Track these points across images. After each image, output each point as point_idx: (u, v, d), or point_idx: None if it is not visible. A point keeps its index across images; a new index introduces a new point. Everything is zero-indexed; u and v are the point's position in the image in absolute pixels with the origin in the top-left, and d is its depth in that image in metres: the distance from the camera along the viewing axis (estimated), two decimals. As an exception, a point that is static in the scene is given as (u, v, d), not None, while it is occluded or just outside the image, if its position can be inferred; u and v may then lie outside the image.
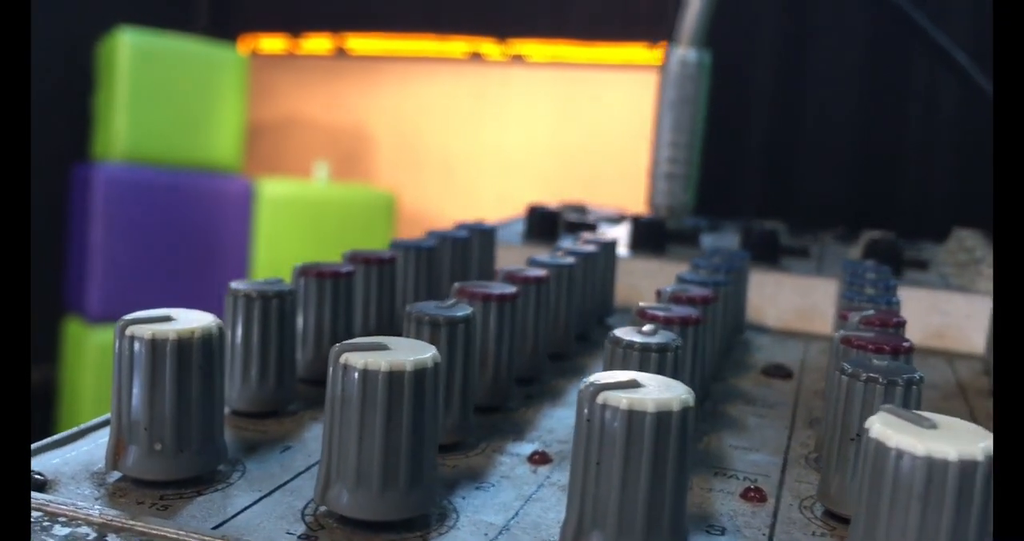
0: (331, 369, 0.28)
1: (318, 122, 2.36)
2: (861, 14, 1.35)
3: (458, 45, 2.19)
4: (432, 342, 0.34)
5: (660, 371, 0.32)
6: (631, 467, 0.25)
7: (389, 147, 2.29)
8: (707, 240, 0.77)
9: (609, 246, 0.59)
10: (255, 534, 0.27)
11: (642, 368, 0.32)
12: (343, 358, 0.27)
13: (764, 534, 0.30)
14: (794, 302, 0.62)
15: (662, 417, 0.25)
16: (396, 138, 2.29)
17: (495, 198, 2.11)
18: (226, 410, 0.38)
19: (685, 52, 0.77)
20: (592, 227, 0.78)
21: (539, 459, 0.35)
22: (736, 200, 1.41)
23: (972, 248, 0.71)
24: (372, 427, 0.27)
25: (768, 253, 0.67)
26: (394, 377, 0.27)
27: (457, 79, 2.21)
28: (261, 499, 0.30)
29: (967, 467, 0.23)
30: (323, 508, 0.29)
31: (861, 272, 0.51)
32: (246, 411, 0.37)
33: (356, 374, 0.27)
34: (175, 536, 0.26)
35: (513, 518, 0.29)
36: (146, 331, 0.29)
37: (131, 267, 1.76)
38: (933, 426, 0.24)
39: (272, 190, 2.01)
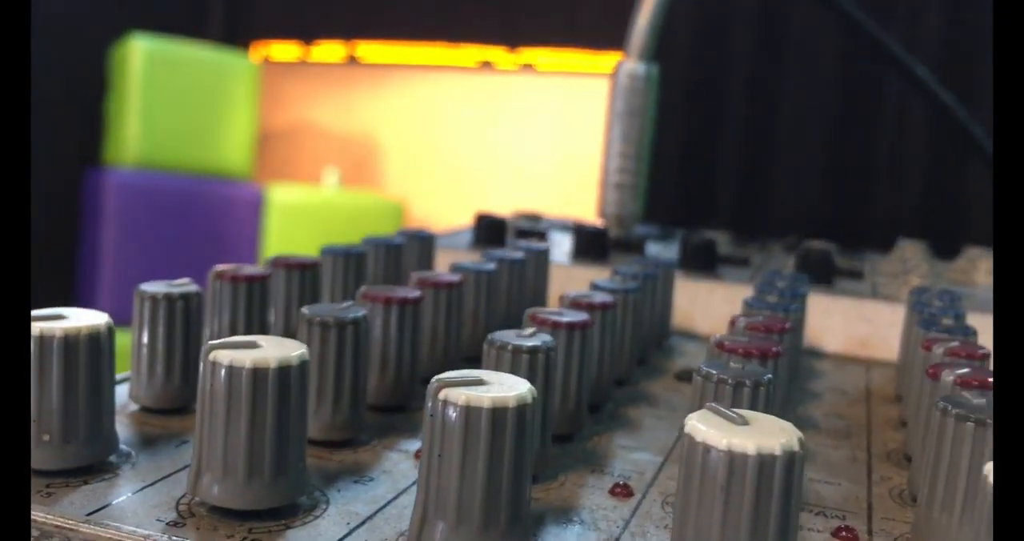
0: (202, 366, 0.29)
1: (328, 129, 2.38)
2: (833, 29, 1.37)
3: (469, 53, 2.21)
4: (323, 342, 0.36)
5: (532, 373, 0.34)
6: (469, 460, 0.27)
7: (399, 154, 2.31)
8: (653, 249, 0.78)
9: (541, 253, 0.60)
10: (126, 520, 0.29)
11: (513, 369, 0.34)
12: (212, 355, 0.29)
13: (619, 526, 0.31)
14: (724, 310, 0.63)
15: (498, 413, 0.27)
16: (406, 145, 2.31)
17: (504, 206, 2.13)
18: (134, 406, 0.40)
19: (633, 65, 0.79)
20: (542, 235, 0.79)
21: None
22: (703, 211, 1.43)
23: (907, 258, 0.72)
24: (237, 421, 0.29)
25: (705, 261, 0.68)
26: (258, 374, 0.29)
27: (467, 87, 2.23)
28: (143, 488, 0.31)
29: (765, 460, 0.24)
30: (197, 498, 0.30)
31: (774, 280, 0.53)
32: (152, 407, 0.39)
33: (222, 371, 0.29)
34: (42, 520, 0.28)
35: (380, 510, 0.31)
36: (35, 329, 0.31)
37: (142, 272, 1.78)
38: (745, 423, 0.26)
39: (282, 196, 2.03)
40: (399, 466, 0.35)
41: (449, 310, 0.46)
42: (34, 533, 0.27)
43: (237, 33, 2.40)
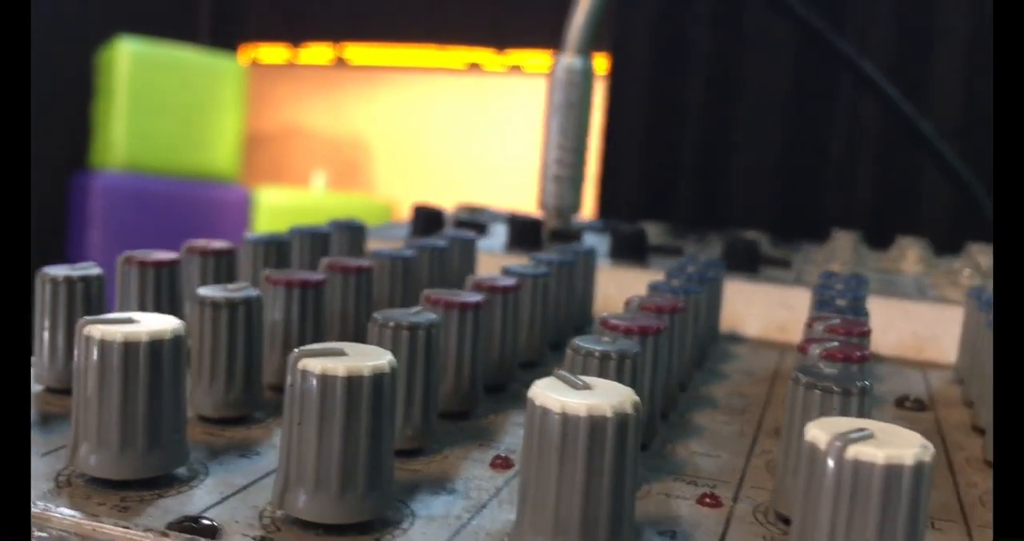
0: (76, 341, 0.30)
1: (317, 131, 2.38)
2: (787, 25, 1.38)
3: (457, 55, 2.21)
4: (214, 322, 0.37)
5: (413, 349, 0.35)
6: (326, 427, 0.28)
7: (387, 156, 2.32)
8: (592, 240, 0.80)
9: (466, 242, 0.61)
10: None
11: (395, 345, 0.35)
12: (86, 330, 0.30)
13: (488, 494, 0.32)
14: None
15: (353, 381, 0.28)
16: (394, 147, 2.32)
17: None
18: (40, 387, 0.40)
19: (571, 59, 0.80)
20: (482, 226, 0.80)
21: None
22: (667, 206, 1.44)
23: (836, 247, 0.74)
24: (110, 394, 0.30)
25: (635, 252, 0.70)
26: (129, 348, 0.30)
27: (456, 89, 2.23)
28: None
29: (597, 422, 0.25)
30: (75, 469, 0.31)
31: (684, 266, 0.54)
32: (56, 388, 0.40)
33: (95, 346, 0.30)
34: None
35: (256, 481, 0.32)
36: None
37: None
38: (587, 388, 0.27)
39: (270, 199, 2.03)
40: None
41: (358, 294, 0.46)
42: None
43: (225, 35, 2.40)
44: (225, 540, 0.27)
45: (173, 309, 0.45)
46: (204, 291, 0.37)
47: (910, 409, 0.47)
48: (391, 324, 0.35)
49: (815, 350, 0.35)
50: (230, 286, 0.38)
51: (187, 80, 1.99)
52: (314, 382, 0.28)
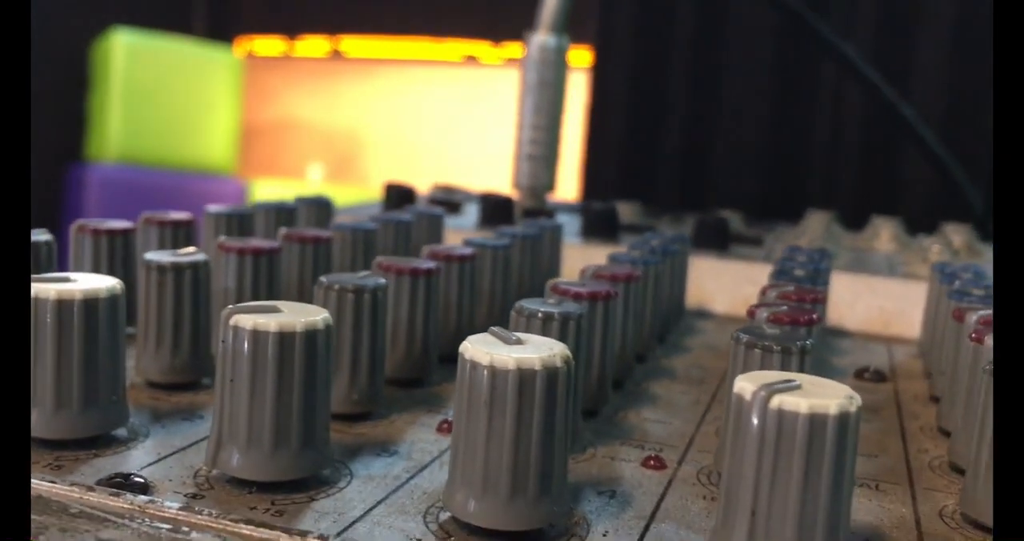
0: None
1: (313, 124, 2.37)
2: (769, 16, 1.38)
3: (453, 48, 2.21)
4: (160, 287, 0.36)
5: (358, 314, 0.35)
6: (258, 384, 0.27)
7: (383, 149, 2.31)
8: (565, 219, 0.79)
9: (434, 218, 0.61)
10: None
11: (339, 307, 0.34)
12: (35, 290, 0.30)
13: (431, 456, 0.32)
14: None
15: (285, 337, 0.27)
16: (390, 140, 2.31)
17: None
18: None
19: (545, 38, 0.79)
20: (456, 205, 0.80)
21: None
22: (651, 188, 1.44)
23: (808, 227, 0.74)
24: (44, 354, 0.29)
25: (605, 230, 0.69)
26: (63, 305, 0.29)
27: (452, 82, 2.23)
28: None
29: (526, 374, 0.25)
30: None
31: (649, 240, 0.54)
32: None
33: (40, 306, 0.29)
34: None
35: (195, 443, 0.32)
36: None
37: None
38: (519, 343, 0.27)
39: (266, 191, 2.03)
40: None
41: (316, 265, 0.46)
42: None
43: (221, 28, 2.38)
44: (156, 497, 0.27)
45: (127, 279, 0.45)
46: (151, 255, 0.37)
47: (868, 380, 0.47)
48: (336, 287, 0.35)
49: (763, 314, 0.35)
50: (179, 251, 0.38)
51: (182, 72, 1.98)
52: (246, 338, 0.27)
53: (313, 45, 2.34)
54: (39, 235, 0.40)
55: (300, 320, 0.28)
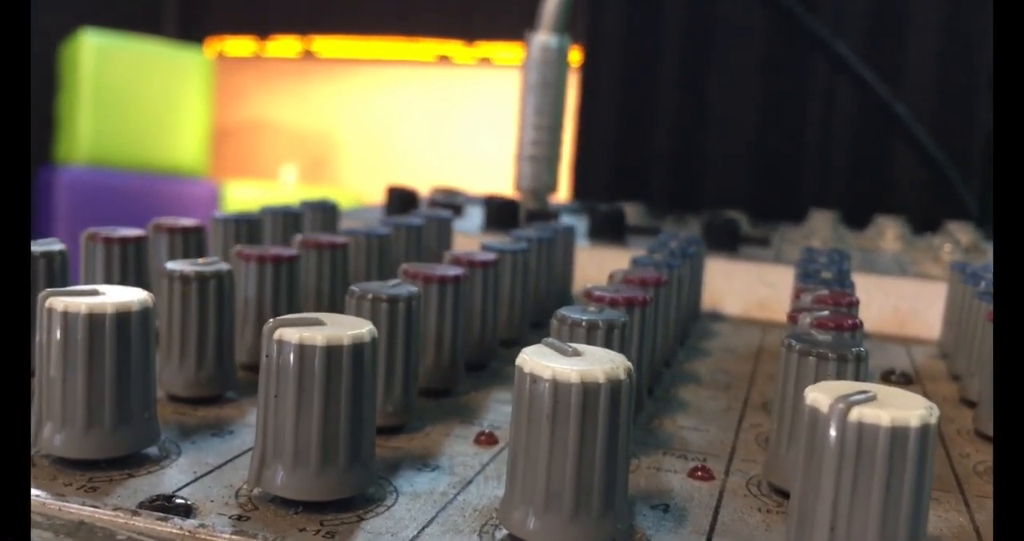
0: (38, 314, 0.29)
1: (285, 125, 2.35)
2: (760, 14, 1.38)
3: (426, 47, 2.19)
4: (183, 297, 0.35)
5: (392, 322, 0.34)
6: (304, 399, 0.26)
7: (357, 150, 2.29)
8: (569, 222, 0.78)
9: (443, 221, 0.60)
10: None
11: (375, 318, 0.33)
12: (48, 303, 0.28)
13: (474, 470, 0.31)
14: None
15: (332, 351, 0.26)
16: (364, 141, 2.29)
17: None
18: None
19: (546, 38, 0.78)
20: (458, 208, 0.79)
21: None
22: (643, 189, 1.44)
23: (814, 226, 0.73)
24: (74, 370, 0.28)
25: (613, 231, 0.69)
26: (94, 320, 0.28)
27: (425, 82, 2.21)
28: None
29: (590, 388, 0.24)
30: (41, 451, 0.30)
31: (666, 241, 0.53)
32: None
33: (57, 319, 0.28)
34: None
35: (230, 460, 0.31)
36: None
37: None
38: (577, 354, 0.26)
39: (238, 193, 2.00)
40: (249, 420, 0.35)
41: (333, 271, 0.45)
42: None
43: (191, 28, 2.36)
44: (200, 519, 0.26)
45: (140, 286, 0.43)
46: (173, 265, 0.36)
47: (896, 383, 0.46)
48: (369, 296, 0.34)
49: (805, 319, 0.34)
50: (200, 260, 0.37)
51: (152, 73, 1.96)
52: (291, 353, 0.26)
53: (284, 45, 2.32)
54: (52, 245, 0.39)
55: (347, 333, 0.27)
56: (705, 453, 0.34)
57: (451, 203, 0.80)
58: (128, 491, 0.27)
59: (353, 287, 0.34)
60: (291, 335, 0.26)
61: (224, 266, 0.36)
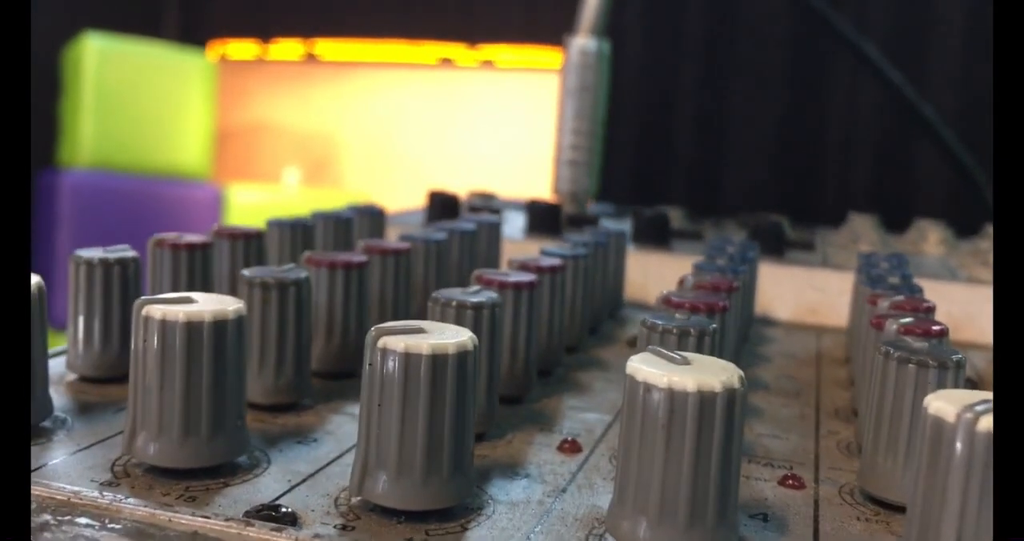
0: (134, 322, 0.29)
1: (288, 128, 2.35)
2: (781, 9, 1.38)
3: (428, 50, 2.19)
4: (264, 304, 0.35)
5: (476, 329, 0.33)
6: (409, 409, 0.26)
7: (359, 152, 2.29)
8: (607, 224, 0.78)
9: (492, 226, 0.60)
10: (59, 480, 0.28)
11: (463, 324, 0.33)
12: (144, 310, 0.28)
13: (565, 480, 0.31)
14: (674, 280, 0.63)
15: (438, 360, 0.26)
16: (366, 143, 2.29)
17: None
18: (72, 376, 0.39)
19: (585, 41, 0.78)
20: (496, 212, 0.79)
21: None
22: (659, 190, 1.43)
23: (858, 230, 0.73)
24: (171, 378, 0.28)
25: (658, 235, 0.68)
26: (192, 327, 0.28)
27: (427, 84, 2.21)
28: (77, 451, 0.30)
29: (706, 397, 0.24)
30: (133, 459, 0.30)
31: (723, 246, 0.53)
32: (90, 376, 0.38)
33: (156, 325, 0.28)
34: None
35: (322, 469, 0.30)
36: (-40, 289, 0.30)
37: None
38: (686, 363, 0.26)
39: (241, 196, 2.00)
40: (343, 428, 0.35)
41: (397, 276, 0.45)
42: (-41, 493, 0.26)
43: (193, 31, 2.36)
44: (304, 529, 0.26)
45: (207, 290, 0.43)
46: (252, 272, 0.36)
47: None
48: (454, 303, 0.33)
49: (892, 325, 0.34)
50: (277, 267, 0.37)
51: (155, 77, 1.95)
52: (396, 361, 0.26)
53: (287, 48, 2.32)
54: (125, 252, 0.39)
55: (452, 342, 0.27)
56: (790, 461, 0.34)
57: (488, 207, 0.80)
58: (228, 500, 0.27)
59: (435, 294, 0.34)
60: (396, 344, 0.26)
61: (303, 273, 0.36)
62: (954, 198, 1.21)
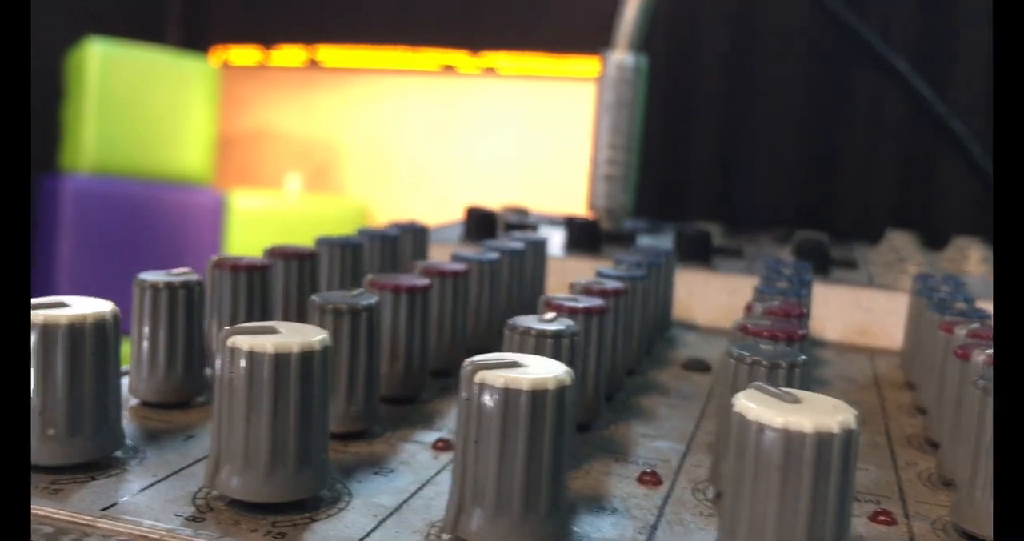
0: (219, 353, 0.28)
1: (290, 134, 2.35)
2: (806, 22, 1.37)
3: (431, 57, 2.19)
4: (335, 330, 0.34)
5: (556, 358, 0.33)
6: (507, 445, 0.26)
7: (361, 159, 2.29)
8: (644, 241, 0.78)
9: (538, 244, 0.59)
10: (143, 515, 0.27)
11: (537, 354, 0.33)
12: (230, 341, 0.28)
13: (653, 514, 0.30)
14: (722, 300, 0.63)
15: (537, 395, 0.26)
16: (368, 150, 2.29)
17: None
18: (134, 401, 0.38)
19: (622, 56, 0.78)
20: (532, 228, 0.78)
21: (443, 446, 0.35)
22: (682, 205, 1.43)
23: (899, 248, 0.72)
24: (259, 409, 0.27)
25: (700, 253, 0.68)
26: (280, 359, 0.27)
27: (429, 91, 2.21)
28: (155, 484, 0.30)
29: (824, 439, 0.23)
30: (214, 491, 0.29)
31: (779, 267, 0.52)
32: (154, 402, 0.37)
33: (243, 357, 0.27)
34: (56, 515, 0.26)
35: (405, 501, 0.30)
36: (38, 316, 0.29)
37: (99, 280, 1.73)
38: (796, 401, 0.25)
39: (243, 202, 2.00)
40: (417, 457, 0.34)
41: (455, 299, 0.44)
42: (47, 529, 0.26)
43: (196, 37, 2.36)
44: (401, 569, 0.25)
45: (264, 314, 0.43)
46: (324, 297, 0.35)
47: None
48: (533, 333, 0.33)
49: (979, 356, 0.33)
50: (347, 292, 0.36)
51: (158, 82, 1.95)
52: (495, 396, 0.25)
53: (289, 54, 2.31)
54: (189, 274, 0.38)
55: (551, 376, 0.26)
56: (875, 494, 0.33)
57: (524, 223, 0.79)
58: (317, 538, 0.27)
59: (512, 322, 0.34)
60: (495, 379, 0.26)
61: (373, 298, 0.36)
62: (984, 214, 1.21)
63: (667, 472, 0.34)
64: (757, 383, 0.26)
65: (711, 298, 0.63)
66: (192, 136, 2.01)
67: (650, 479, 0.33)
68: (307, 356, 0.28)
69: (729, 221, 1.20)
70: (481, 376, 0.26)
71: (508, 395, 0.25)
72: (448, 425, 0.38)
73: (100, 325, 0.30)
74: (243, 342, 0.28)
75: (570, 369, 0.27)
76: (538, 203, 1.73)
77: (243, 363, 0.27)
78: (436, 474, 0.32)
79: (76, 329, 0.30)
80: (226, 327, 0.28)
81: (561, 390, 0.26)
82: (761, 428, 0.24)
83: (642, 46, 0.78)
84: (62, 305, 0.31)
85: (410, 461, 0.34)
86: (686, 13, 1.41)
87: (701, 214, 1.35)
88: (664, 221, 0.98)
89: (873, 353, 0.57)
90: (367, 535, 0.27)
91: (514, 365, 0.27)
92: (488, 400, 0.26)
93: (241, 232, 1.97)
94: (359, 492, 0.30)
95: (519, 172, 2.09)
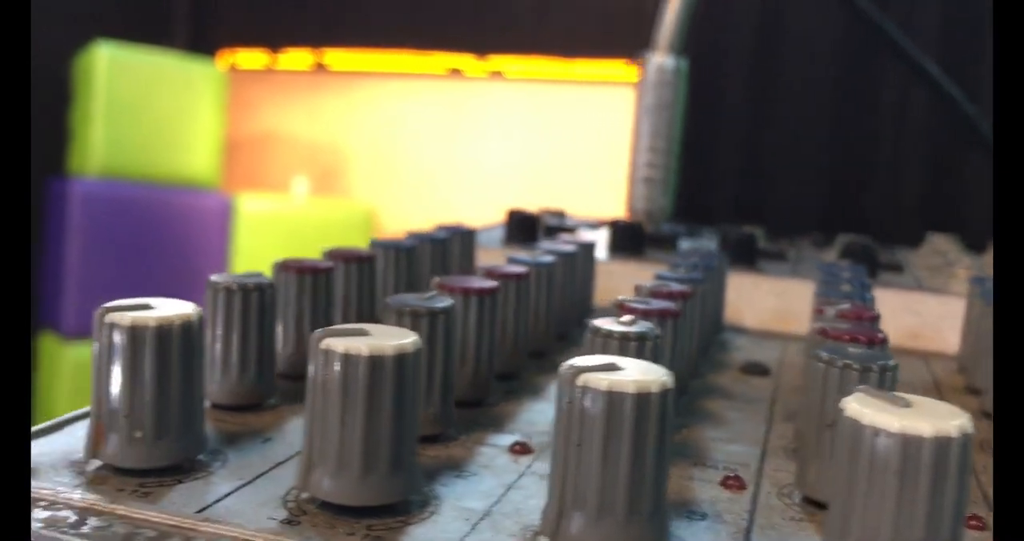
0: (312, 355, 0.28)
1: (297, 137, 2.35)
2: (834, 24, 1.37)
3: (438, 61, 2.19)
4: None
5: (655, 359, 0.32)
6: (611, 448, 0.25)
7: (368, 162, 2.29)
8: (685, 244, 0.77)
9: (587, 247, 0.59)
10: (237, 519, 0.27)
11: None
12: (324, 343, 0.28)
13: (744, 519, 0.30)
14: (771, 303, 0.62)
15: (641, 398, 0.25)
16: (375, 153, 2.29)
17: (473, 213, 2.11)
18: (207, 404, 0.38)
19: (662, 59, 0.78)
20: (572, 231, 0.78)
21: (520, 450, 0.35)
22: (711, 207, 1.42)
23: (945, 252, 0.72)
24: (354, 412, 0.27)
25: (746, 256, 0.67)
26: (375, 361, 0.27)
27: (436, 95, 2.21)
28: (242, 487, 0.30)
29: (942, 443, 0.23)
30: (304, 494, 0.29)
31: (836, 271, 0.52)
32: (227, 404, 0.37)
33: (337, 359, 0.27)
34: (156, 519, 0.26)
35: (495, 504, 0.30)
36: (126, 318, 0.29)
37: (107, 283, 1.73)
38: (907, 405, 0.25)
39: (250, 205, 2.00)
40: (496, 461, 0.34)
41: (519, 302, 0.44)
42: (149, 533, 0.25)
43: (203, 41, 2.36)
44: (505, 574, 0.25)
45: (327, 315, 0.43)
46: (399, 300, 0.35)
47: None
48: (616, 335, 0.32)
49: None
50: (420, 295, 0.36)
51: (165, 86, 1.96)
52: (599, 400, 0.25)
53: (296, 58, 2.32)
54: (259, 277, 0.38)
55: (655, 378, 0.26)
56: (962, 500, 0.33)
57: (563, 226, 0.79)
58: (414, 541, 0.26)
59: (593, 324, 0.33)
60: (599, 382, 0.25)
61: (449, 301, 0.35)
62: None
63: (748, 476, 0.34)
64: (864, 387, 0.26)
65: (759, 301, 0.63)
66: (199, 139, 2.02)
67: (734, 483, 0.33)
68: (401, 358, 0.28)
69: (758, 224, 1.20)
70: (584, 379, 0.26)
71: (612, 398, 0.25)
72: (520, 428, 0.38)
73: (187, 327, 0.30)
74: (337, 344, 0.27)
75: (670, 372, 0.27)
76: (543, 206, 1.73)
77: (337, 365, 0.27)
78: (519, 478, 0.32)
79: (164, 331, 0.30)
80: (318, 330, 0.28)
81: (664, 393, 0.26)
82: (876, 432, 0.23)
83: (683, 49, 0.78)
84: (147, 307, 0.31)
85: (490, 465, 0.33)
86: (714, 15, 1.41)
87: (728, 217, 1.35)
88: (697, 224, 0.97)
89: (927, 357, 0.57)
90: (463, 539, 0.27)
91: (613, 368, 0.26)
92: (591, 403, 0.25)
93: (248, 235, 1.97)
94: (446, 496, 0.30)
95: (526, 176, 2.09)
